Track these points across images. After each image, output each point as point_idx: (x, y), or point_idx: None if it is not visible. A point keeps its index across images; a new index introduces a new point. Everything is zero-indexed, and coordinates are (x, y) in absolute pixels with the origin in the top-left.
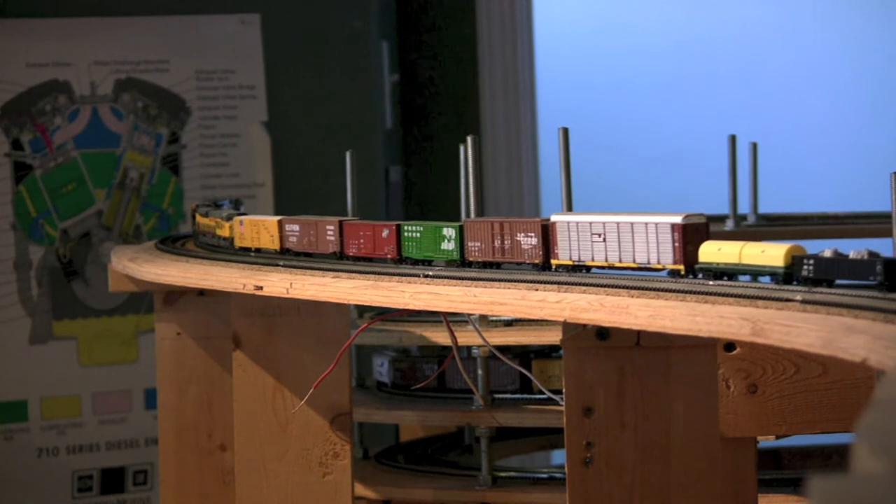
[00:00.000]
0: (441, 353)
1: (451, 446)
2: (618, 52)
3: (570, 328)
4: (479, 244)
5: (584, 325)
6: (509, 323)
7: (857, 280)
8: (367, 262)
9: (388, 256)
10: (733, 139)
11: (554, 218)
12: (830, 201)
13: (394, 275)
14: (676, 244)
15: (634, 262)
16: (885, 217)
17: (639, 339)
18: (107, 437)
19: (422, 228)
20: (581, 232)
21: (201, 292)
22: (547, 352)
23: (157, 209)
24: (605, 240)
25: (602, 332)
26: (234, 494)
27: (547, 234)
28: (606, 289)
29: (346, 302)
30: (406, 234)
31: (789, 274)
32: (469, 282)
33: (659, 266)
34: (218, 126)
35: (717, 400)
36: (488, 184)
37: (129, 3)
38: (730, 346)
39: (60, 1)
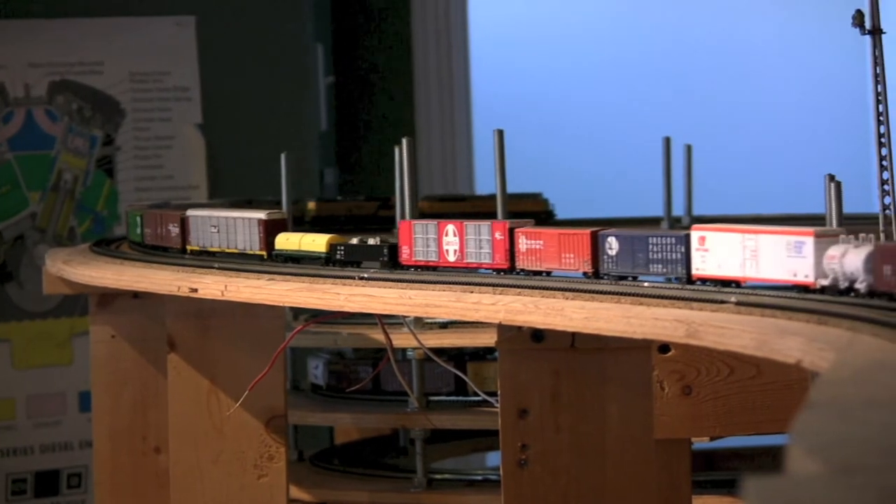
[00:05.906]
0: (376, 355)
1: (386, 448)
2: (554, 52)
3: (505, 330)
4: (150, 230)
5: (520, 327)
6: (444, 325)
7: (373, 260)
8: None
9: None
10: (668, 141)
11: (188, 213)
12: (766, 203)
13: (328, 277)
14: (261, 235)
15: (237, 248)
16: (818, 219)
17: (574, 341)
18: (41, 439)
19: (138, 214)
20: (204, 225)
21: (136, 294)
22: (482, 354)
23: (91, 211)
24: (219, 231)
25: (537, 334)
26: (168, 497)
27: (184, 225)
28: (542, 291)
29: (281, 304)
30: (131, 218)
31: (329, 257)
32: (404, 284)
33: (251, 252)
34: (152, 128)
35: (652, 402)
36: (423, 185)
37: (63, 5)
38: (664, 347)
39: None
